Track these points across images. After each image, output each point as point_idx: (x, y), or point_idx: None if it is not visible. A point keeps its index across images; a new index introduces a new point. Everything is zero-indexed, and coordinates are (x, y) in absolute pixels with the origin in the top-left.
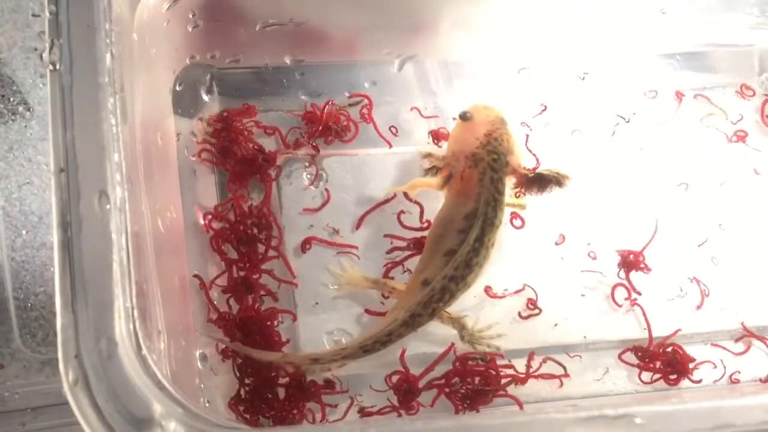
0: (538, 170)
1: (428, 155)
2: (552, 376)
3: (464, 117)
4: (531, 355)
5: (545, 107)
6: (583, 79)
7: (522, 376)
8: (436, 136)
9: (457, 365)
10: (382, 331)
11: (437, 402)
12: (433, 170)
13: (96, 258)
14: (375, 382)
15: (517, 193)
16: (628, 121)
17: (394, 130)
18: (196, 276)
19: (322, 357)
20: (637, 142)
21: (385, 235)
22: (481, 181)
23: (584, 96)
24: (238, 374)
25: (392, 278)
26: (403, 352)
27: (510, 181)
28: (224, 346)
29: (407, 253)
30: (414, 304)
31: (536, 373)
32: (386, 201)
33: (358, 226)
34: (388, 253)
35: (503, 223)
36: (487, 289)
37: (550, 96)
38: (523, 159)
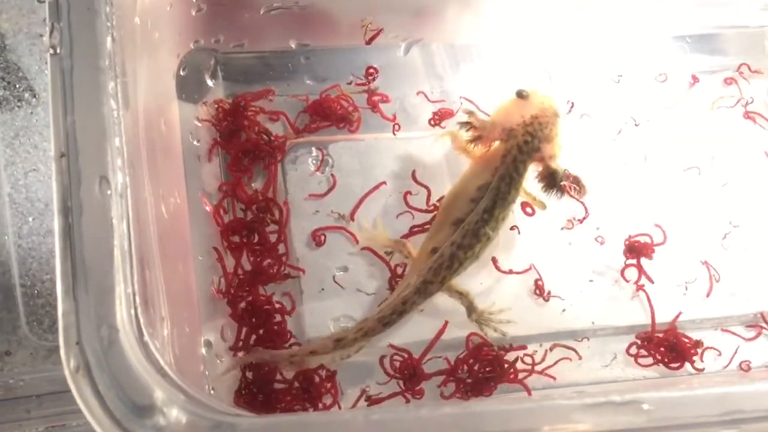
0: (558, 170)
1: (470, 113)
2: (565, 359)
3: (520, 95)
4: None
5: (572, 104)
6: (618, 82)
7: (535, 370)
8: (441, 117)
9: (470, 360)
10: (398, 298)
11: (444, 390)
12: (467, 125)
13: (97, 244)
14: (382, 372)
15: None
16: (637, 125)
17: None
18: (215, 248)
19: (344, 336)
20: (646, 130)
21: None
22: (504, 157)
23: (594, 79)
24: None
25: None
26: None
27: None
28: (232, 342)
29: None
30: (425, 270)
31: (548, 365)
32: (376, 188)
33: (352, 217)
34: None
35: (516, 201)
36: (494, 260)
37: (559, 79)
38: (559, 155)
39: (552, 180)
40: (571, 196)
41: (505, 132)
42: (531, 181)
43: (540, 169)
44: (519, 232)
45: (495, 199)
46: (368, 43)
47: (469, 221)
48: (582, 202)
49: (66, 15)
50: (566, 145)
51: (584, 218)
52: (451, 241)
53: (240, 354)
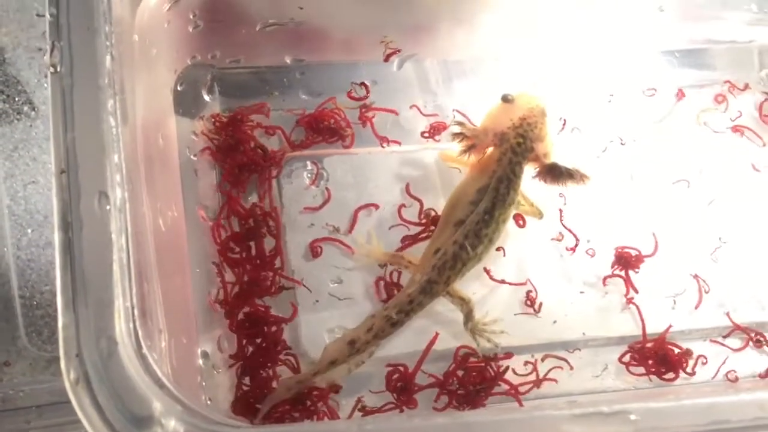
0: (557, 162)
1: (460, 124)
2: (556, 368)
3: (506, 99)
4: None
5: (564, 121)
6: (623, 144)
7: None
8: (435, 130)
9: (458, 371)
10: (403, 295)
11: (436, 404)
12: (459, 137)
13: (96, 258)
14: (377, 381)
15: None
16: (623, 144)
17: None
18: (215, 264)
19: (357, 338)
20: (635, 144)
21: (401, 219)
22: (500, 160)
23: (584, 94)
24: (237, 379)
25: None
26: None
27: (533, 169)
28: (229, 352)
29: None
30: (429, 269)
31: (540, 377)
32: (368, 206)
33: (350, 230)
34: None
35: (516, 203)
36: (487, 271)
37: (550, 93)
38: (552, 152)
39: (555, 172)
40: (577, 181)
41: (497, 137)
42: (530, 189)
43: (537, 168)
44: (504, 254)
45: (494, 201)
46: (386, 60)
47: (470, 221)
48: (571, 231)
49: (66, 34)
50: (559, 158)
51: (576, 245)
52: (453, 240)
53: (238, 367)
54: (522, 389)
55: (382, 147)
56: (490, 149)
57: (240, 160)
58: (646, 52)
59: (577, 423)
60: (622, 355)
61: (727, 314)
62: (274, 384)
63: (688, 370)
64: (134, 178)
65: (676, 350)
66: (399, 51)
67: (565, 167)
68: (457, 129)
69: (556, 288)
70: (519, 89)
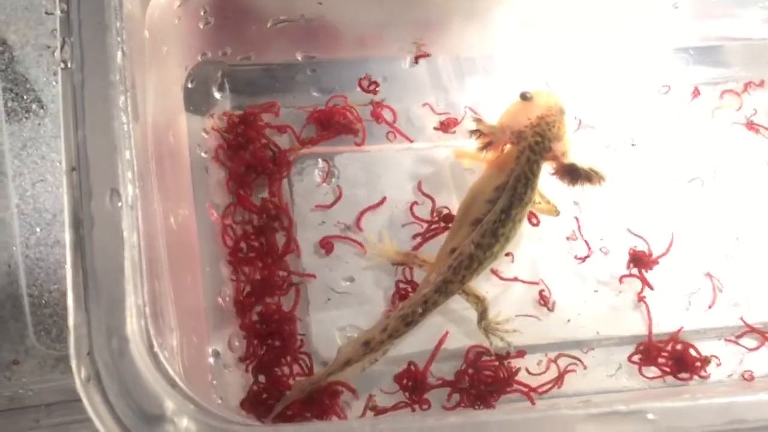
0: (575, 162)
1: (478, 120)
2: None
3: (524, 97)
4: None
5: (580, 120)
6: (633, 145)
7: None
8: (447, 125)
9: (469, 370)
10: (418, 294)
11: (447, 404)
12: (476, 134)
13: (108, 256)
14: (388, 380)
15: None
16: (634, 145)
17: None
18: (229, 262)
19: (372, 338)
20: (649, 143)
21: (413, 217)
22: (518, 158)
23: (597, 92)
24: (253, 379)
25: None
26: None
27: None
28: (240, 352)
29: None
30: (445, 268)
31: (554, 376)
32: (380, 203)
33: (358, 226)
34: (413, 239)
35: (533, 201)
36: (496, 272)
37: (563, 90)
38: (570, 151)
39: (574, 174)
40: (595, 183)
41: (515, 135)
42: (546, 185)
43: (555, 166)
44: (513, 260)
45: (512, 199)
46: (415, 61)
47: (487, 221)
48: (586, 241)
49: (77, 30)
50: (575, 158)
51: (587, 256)
52: (470, 240)
53: (253, 366)
54: (541, 389)
55: (388, 140)
56: (507, 147)
57: (247, 160)
58: (660, 50)
59: (593, 422)
60: (631, 355)
61: (741, 318)
62: (291, 382)
63: (703, 373)
64: (145, 176)
65: (695, 354)
66: (429, 54)
67: (584, 169)
68: (474, 126)
69: (570, 287)
70: (534, 87)
